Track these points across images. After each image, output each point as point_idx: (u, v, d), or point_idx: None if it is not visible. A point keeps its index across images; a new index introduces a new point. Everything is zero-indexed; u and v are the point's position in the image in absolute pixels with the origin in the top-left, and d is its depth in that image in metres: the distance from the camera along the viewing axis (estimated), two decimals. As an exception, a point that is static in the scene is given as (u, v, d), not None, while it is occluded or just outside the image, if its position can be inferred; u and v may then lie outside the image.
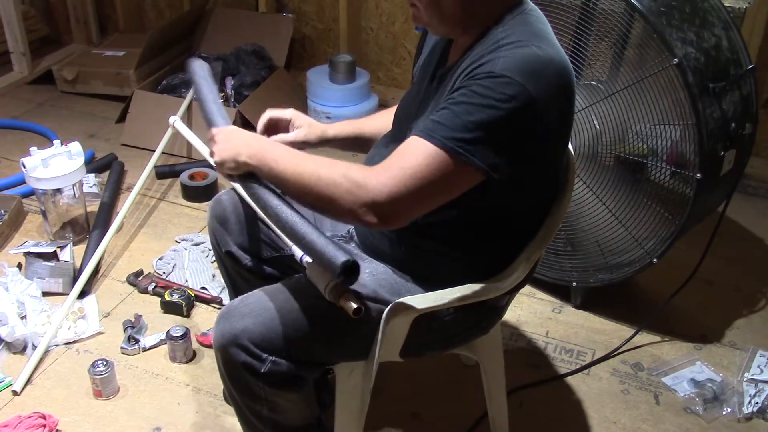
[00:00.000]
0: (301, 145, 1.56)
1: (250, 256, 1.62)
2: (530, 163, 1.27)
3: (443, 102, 1.23)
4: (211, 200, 1.69)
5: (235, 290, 1.70)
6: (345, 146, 1.65)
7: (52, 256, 2.27)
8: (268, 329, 1.33)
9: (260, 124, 1.57)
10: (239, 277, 1.66)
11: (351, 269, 1.22)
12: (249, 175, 1.34)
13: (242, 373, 1.34)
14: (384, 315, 1.34)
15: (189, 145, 3.00)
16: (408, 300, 1.33)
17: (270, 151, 1.31)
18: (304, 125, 1.57)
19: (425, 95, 1.41)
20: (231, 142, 1.34)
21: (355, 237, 1.54)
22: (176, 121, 2.07)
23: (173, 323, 2.08)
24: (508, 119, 1.17)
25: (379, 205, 1.19)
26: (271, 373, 1.33)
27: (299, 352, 1.34)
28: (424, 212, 1.24)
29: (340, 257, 1.21)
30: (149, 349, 2.06)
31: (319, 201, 1.25)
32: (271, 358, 1.32)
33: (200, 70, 1.59)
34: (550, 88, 1.20)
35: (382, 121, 1.61)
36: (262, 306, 1.35)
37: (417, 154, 1.20)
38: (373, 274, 1.42)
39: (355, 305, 1.26)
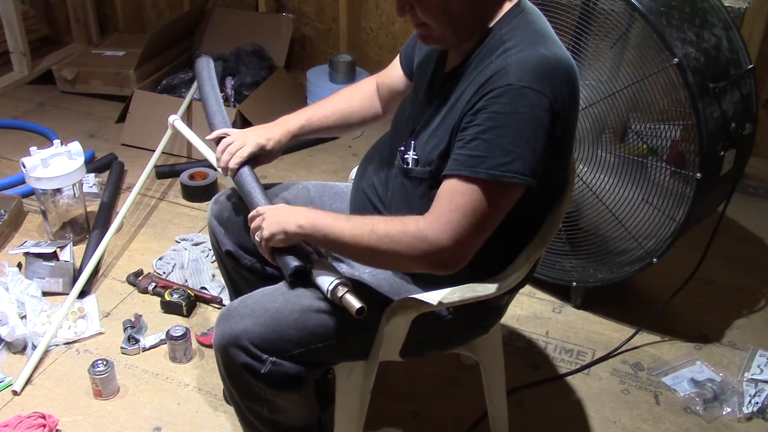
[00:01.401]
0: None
1: (250, 256, 1.62)
2: (551, 163, 1.27)
3: (467, 128, 1.22)
4: (211, 200, 1.70)
5: (235, 290, 1.70)
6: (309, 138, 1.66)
7: (52, 256, 2.27)
8: (269, 330, 1.33)
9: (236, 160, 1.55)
10: (239, 276, 1.66)
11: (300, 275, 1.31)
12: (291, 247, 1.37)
13: (243, 374, 1.34)
14: (384, 314, 1.34)
15: (189, 145, 3.00)
16: (408, 299, 1.33)
17: (321, 218, 1.32)
18: (273, 151, 1.58)
19: (426, 98, 1.41)
20: (279, 216, 1.35)
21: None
22: (176, 120, 2.07)
23: (173, 323, 2.08)
24: (537, 127, 1.19)
25: (444, 251, 1.21)
26: (271, 374, 1.33)
27: (299, 352, 1.34)
28: (484, 241, 1.26)
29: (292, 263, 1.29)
30: (149, 349, 2.06)
31: (381, 259, 1.29)
32: (271, 359, 1.32)
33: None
34: (562, 87, 1.22)
35: (340, 106, 1.62)
36: (262, 307, 1.35)
37: (466, 193, 1.21)
38: (373, 274, 1.42)
39: (357, 305, 1.26)
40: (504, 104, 1.19)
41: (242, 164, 1.54)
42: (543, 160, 1.21)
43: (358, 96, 1.65)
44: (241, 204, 1.63)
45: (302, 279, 1.36)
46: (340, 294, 1.29)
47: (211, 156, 1.76)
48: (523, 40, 1.23)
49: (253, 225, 1.39)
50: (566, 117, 1.24)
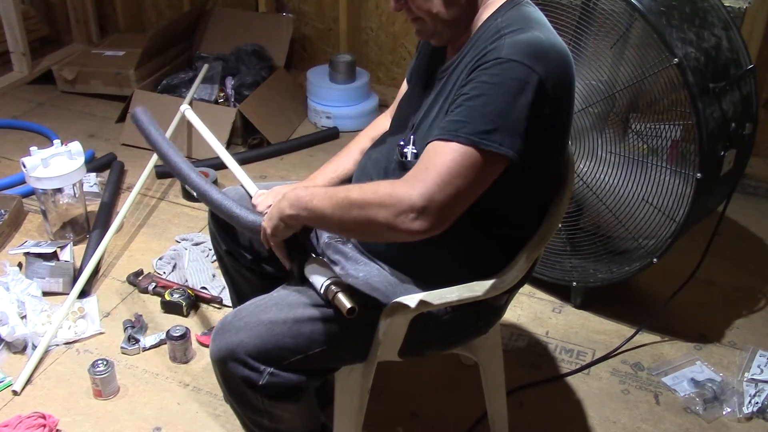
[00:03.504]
0: None
1: (249, 255, 1.62)
2: (541, 148, 1.27)
3: (456, 99, 1.23)
4: None
5: (236, 289, 1.70)
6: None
7: (53, 256, 2.27)
8: (264, 341, 1.32)
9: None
10: (239, 275, 1.66)
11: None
12: (295, 243, 1.37)
13: (241, 386, 1.34)
14: (382, 314, 1.34)
15: (189, 145, 3.00)
16: (405, 299, 1.33)
17: (303, 195, 1.31)
18: None
19: (424, 93, 1.41)
20: (274, 209, 1.34)
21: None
22: (187, 109, 1.98)
23: (173, 323, 2.08)
24: (524, 102, 1.19)
25: (415, 208, 1.18)
26: (269, 386, 1.33)
27: (298, 360, 1.34)
28: (463, 209, 1.23)
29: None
30: (149, 349, 2.06)
31: (358, 226, 1.26)
32: (269, 369, 1.32)
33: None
34: (555, 69, 1.22)
35: (358, 148, 1.61)
36: (256, 319, 1.35)
37: (444, 154, 1.19)
38: (368, 277, 1.42)
39: (348, 305, 1.26)
40: (492, 75, 1.19)
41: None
42: (527, 137, 1.21)
43: (377, 131, 1.63)
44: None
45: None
46: (332, 293, 1.29)
47: (218, 147, 1.74)
48: (519, 26, 1.25)
49: (262, 236, 1.39)
50: (558, 100, 1.24)
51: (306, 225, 1.34)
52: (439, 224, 1.21)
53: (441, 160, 1.19)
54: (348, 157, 1.63)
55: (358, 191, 1.24)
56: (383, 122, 1.67)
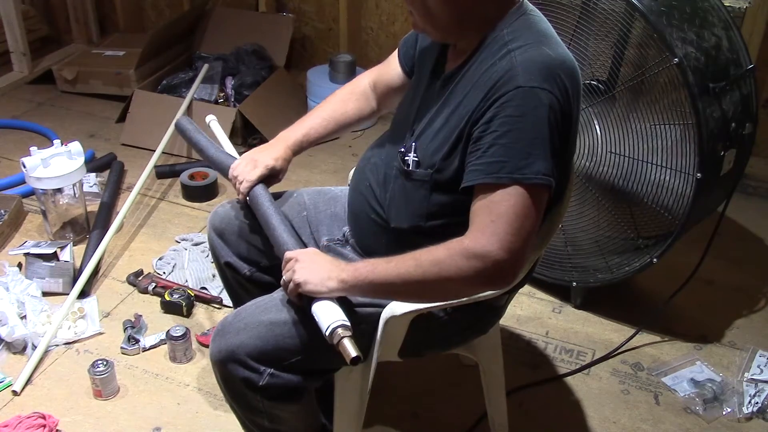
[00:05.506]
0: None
1: (248, 266, 1.61)
2: (557, 161, 1.27)
3: (483, 136, 1.21)
4: (210, 213, 1.68)
5: (236, 299, 1.69)
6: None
7: (52, 256, 2.27)
8: (264, 342, 1.32)
9: (247, 185, 1.54)
10: (239, 286, 1.66)
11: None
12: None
13: (241, 387, 1.34)
14: (383, 315, 1.34)
15: (189, 145, 3.00)
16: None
17: (361, 267, 1.28)
18: (282, 169, 1.59)
19: (425, 98, 1.40)
20: (318, 265, 1.30)
21: (351, 240, 1.54)
22: (212, 121, 1.99)
23: (173, 323, 2.08)
24: (551, 126, 1.19)
25: (499, 263, 1.18)
26: (269, 386, 1.33)
27: (297, 360, 1.34)
28: (532, 245, 1.24)
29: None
30: (149, 349, 2.06)
31: (433, 290, 1.26)
32: (269, 370, 1.32)
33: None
34: (566, 87, 1.22)
35: (336, 113, 1.62)
36: (257, 320, 1.35)
37: (501, 201, 1.19)
38: None
39: (353, 354, 1.20)
40: (516, 107, 1.19)
41: (252, 186, 1.52)
42: (558, 158, 1.22)
43: (354, 97, 1.64)
44: (240, 216, 1.62)
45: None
46: (338, 338, 1.22)
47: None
48: (526, 40, 1.24)
49: (285, 268, 1.34)
50: (571, 116, 1.25)
51: None
52: (522, 268, 1.23)
53: (504, 208, 1.19)
54: (321, 117, 1.64)
55: (428, 256, 1.22)
56: (362, 82, 1.66)
